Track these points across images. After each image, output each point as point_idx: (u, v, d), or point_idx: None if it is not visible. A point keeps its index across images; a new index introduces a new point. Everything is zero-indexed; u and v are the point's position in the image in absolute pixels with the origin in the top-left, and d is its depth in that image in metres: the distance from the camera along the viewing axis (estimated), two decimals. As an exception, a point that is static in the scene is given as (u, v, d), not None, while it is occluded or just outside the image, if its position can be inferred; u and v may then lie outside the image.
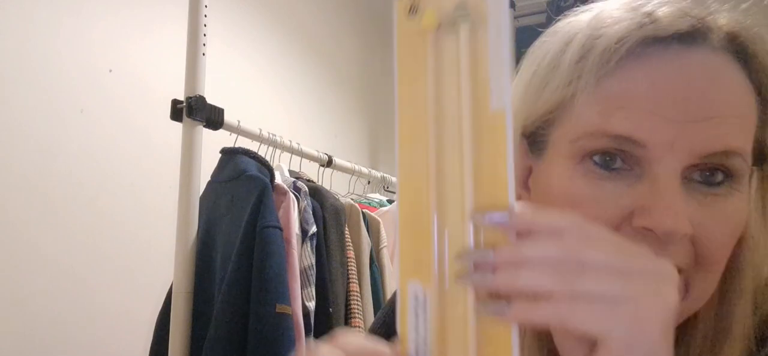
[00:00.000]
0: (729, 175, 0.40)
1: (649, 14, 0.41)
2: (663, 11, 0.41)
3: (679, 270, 0.38)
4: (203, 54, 1.20)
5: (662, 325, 0.32)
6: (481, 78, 0.34)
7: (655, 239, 0.38)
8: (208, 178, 1.33)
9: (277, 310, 1.12)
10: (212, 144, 1.31)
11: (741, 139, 0.40)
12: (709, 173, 0.40)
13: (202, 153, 1.19)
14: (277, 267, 1.15)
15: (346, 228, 1.46)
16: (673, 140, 0.38)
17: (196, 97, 1.18)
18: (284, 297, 1.14)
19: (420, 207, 0.34)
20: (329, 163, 1.66)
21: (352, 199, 1.61)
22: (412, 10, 0.35)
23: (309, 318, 1.25)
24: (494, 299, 0.33)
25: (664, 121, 0.39)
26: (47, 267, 1.34)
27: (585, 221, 0.33)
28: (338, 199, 1.46)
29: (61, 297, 1.36)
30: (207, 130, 1.23)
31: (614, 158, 0.40)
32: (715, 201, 0.40)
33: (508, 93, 0.33)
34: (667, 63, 0.40)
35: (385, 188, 2.06)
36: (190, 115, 1.17)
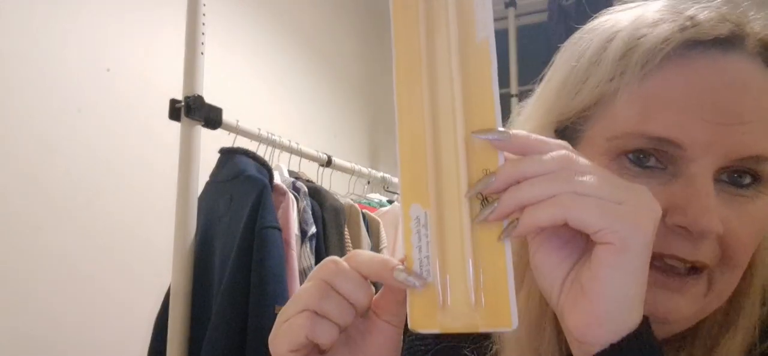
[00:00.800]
0: (756, 178, 0.41)
1: (691, 18, 0.42)
2: (704, 15, 0.42)
3: (705, 267, 0.41)
4: (201, 53, 1.19)
5: (653, 234, 0.34)
6: (466, 11, 0.38)
7: (688, 236, 0.40)
8: (207, 178, 1.33)
9: (276, 311, 1.12)
10: (211, 144, 1.30)
11: None
12: (738, 175, 0.41)
13: (200, 153, 1.19)
14: (276, 268, 1.14)
15: (346, 229, 1.45)
16: (709, 142, 0.40)
17: (194, 96, 1.17)
18: (283, 298, 1.14)
19: (417, 138, 0.38)
20: (329, 162, 1.65)
21: (351, 200, 1.60)
22: None
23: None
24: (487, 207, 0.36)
25: (701, 124, 0.40)
26: (46, 266, 1.33)
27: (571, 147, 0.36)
28: (338, 200, 1.45)
29: (60, 297, 1.35)
30: (205, 129, 1.22)
31: (648, 157, 0.41)
32: (741, 203, 0.41)
33: (491, 25, 0.37)
34: (707, 67, 0.41)
35: (385, 188, 2.06)
36: (188, 114, 1.17)
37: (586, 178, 0.34)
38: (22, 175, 1.31)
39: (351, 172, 1.79)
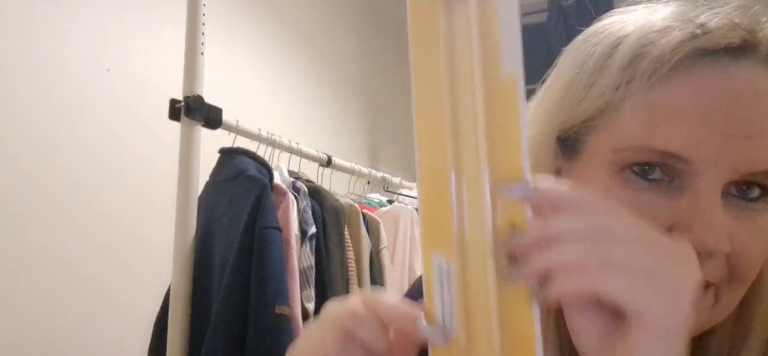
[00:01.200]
0: (765, 190, 0.39)
1: (702, 26, 0.40)
2: (715, 23, 0.40)
3: (709, 284, 0.39)
4: (201, 53, 1.19)
5: (692, 303, 0.31)
6: (491, 44, 0.33)
7: (705, 257, 0.38)
8: (207, 178, 1.32)
9: (276, 311, 1.11)
10: (211, 144, 1.30)
11: None
12: (746, 187, 0.39)
13: (200, 153, 1.19)
14: (275, 269, 1.14)
15: (346, 229, 1.45)
16: (717, 156, 0.38)
17: (194, 96, 1.17)
18: (283, 298, 1.13)
19: (438, 179, 0.34)
20: (328, 162, 1.65)
21: (351, 200, 1.60)
22: None
23: (308, 320, 1.24)
24: (513, 266, 0.33)
25: (709, 136, 0.38)
26: (46, 266, 1.33)
27: (604, 198, 0.33)
28: (338, 200, 1.45)
29: (60, 297, 1.35)
30: (205, 129, 1.22)
31: (654, 169, 0.40)
32: (750, 216, 0.39)
33: (519, 59, 0.33)
34: (717, 77, 0.39)
35: (385, 188, 2.06)
36: (188, 114, 1.17)
37: (620, 244, 0.31)
38: (22, 174, 1.31)
39: (351, 171, 1.79)
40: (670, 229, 0.39)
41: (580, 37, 0.46)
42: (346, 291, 1.38)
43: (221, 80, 1.70)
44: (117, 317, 1.46)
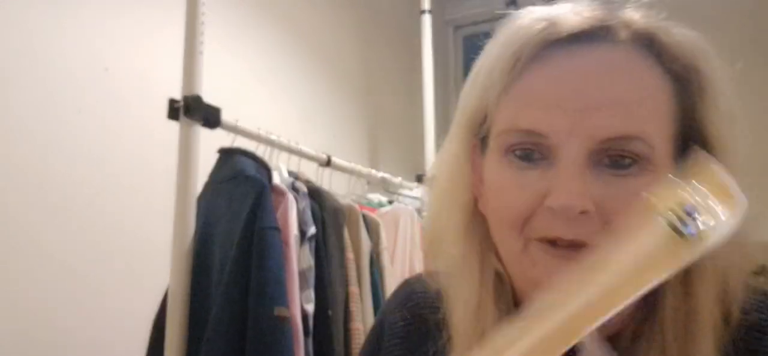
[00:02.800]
0: (637, 157, 0.43)
1: (550, 19, 0.46)
2: (564, 15, 0.46)
3: (585, 244, 0.43)
4: (200, 53, 1.18)
5: None
6: None
7: (564, 215, 0.43)
8: (206, 178, 1.32)
9: (275, 313, 1.11)
10: (210, 143, 1.29)
11: (643, 123, 0.43)
12: (619, 157, 0.44)
13: (199, 152, 1.18)
14: (275, 270, 1.14)
15: (346, 230, 1.44)
16: (570, 128, 0.43)
17: (193, 96, 1.16)
18: (282, 299, 1.13)
19: None
20: (328, 162, 1.64)
21: (351, 200, 1.59)
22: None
23: (308, 321, 1.23)
24: None
25: (560, 112, 0.44)
26: (44, 266, 1.33)
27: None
28: (337, 200, 1.45)
29: (59, 296, 1.35)
30: (204, 129, 1.21)
31: (532, 151, 0.46)
32: (622, 181, 0.43)
33: None
34: (566, 61, 0.45)
35: (385, 188, 2.05)
36: (187, 114, 1.16)
37: None
38: (21, 174, 1.30)
39: (351, 172, 1.78)
40: (544, 197, 0.44)
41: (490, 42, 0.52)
42: (346, 292, 1.37)
43: (220, 80, 1.69)
44: (115, 317, 1.45)
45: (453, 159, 0.53)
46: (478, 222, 0.52)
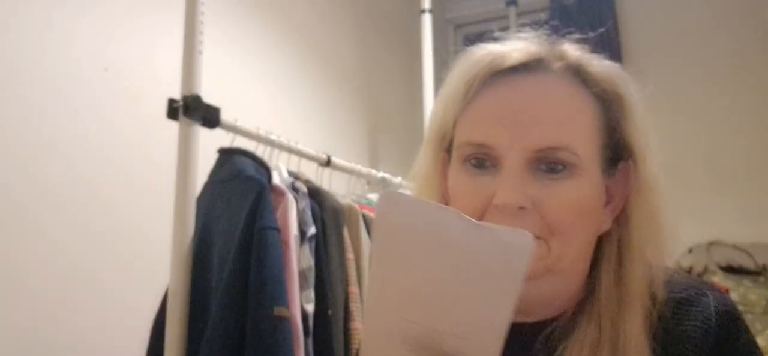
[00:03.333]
0: (566, 164, 0.54)
1: (500, 54, 0.58)
2: (508, 51, 0.58)
3: (539, 237, 0.52)
4: (200, 52, 1.18)
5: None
6: None
7: (507, 212, 0.53)
8: (205, 178, 1.32)
9: (274, 313, 1.11)
10: (210, 143, 1.29)
11: (569, 136, 0.54)
12: (553, 164, 0.54)
13: (199, 153, 1.18)
14: (274, 270, 1.14)
15: (346, 230, 1.44)
16: (510, 142, 0.54)
17: (192, 96, 1.16)
18: (282, 300, 1.13)
19: None
20: (328, 162, 1.64)
21: (351, 200, 1.59)
22: None
23: (307, 321, 1.23)
24: None
25: (503, 128, 0.55)
26: (43, 266, 1.33)
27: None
28: (337, 200, 1.45)
29: (59, 296, 1.35)
30: (204, 129, 1.21)
31: (484, 160, 0.56)
32: (554, 184, 0.54)
33: None
34: (508, 88, 0.57)
35: (385, 188, 2.05)
36: (186, 114, 1.16)
37: None
38: (20, 174, 1.30)
39: (351, 172, 1.78)
40: (491, 197, 0.54)
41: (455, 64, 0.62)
42: (346, 292, 1.37)
43: (220, 79, 1.69)
44: (115, 317, 1.45)
45: (425, 169, 0.64)
46: None
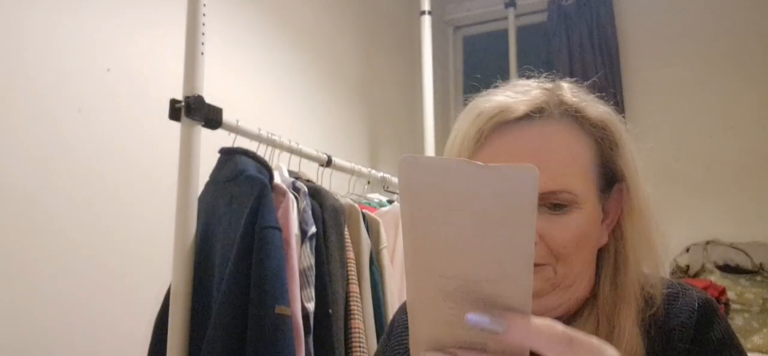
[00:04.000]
0: (567, 203, 0.61)
1: (506, 106, 0.63)
2: (513, 101, 0.63)
3: (546, 264, 0.61)
4: (202, 53, 1.19)
5: None
6: None
7: None
8: (207, 178, 1.33)
9: (276, 311, 1.12)
10: (211, 143, 1.30)
11: (568, 179, 0.61)
12: (555, 204, 0.61)
13: (200, 153, 1.19)
14: (275, 268, 1.14)
15: (346, 229, 1.45)
16: None
17: (194, 96, 1.17)
18: (283, 298, 1.13)
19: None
20: (328, 162, 1.65)
21: (351, 200, 1.60)
22: None
23: (308, 320, 1.24)
24: None
25: None
26: (45, 266, 1.33)
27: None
28: (338, 200, 1.45)
29: (60, 296, 1.35)
30: (206, 129, 1.22)
31: None
32: (557, 218, 0.61)
33: None
34: (514, 136, 0.62)
35: (385, 188, 2.06)
36: (188, 114, 1.17)
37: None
38: (22, 175, 1.31)
39: (351, 172, 1.79)
40: None
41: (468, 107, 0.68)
42: (346, 291, 1.38)
43: (221, 80, 1.70)
44: (117, 317, 1.46)
45: None
46: None
